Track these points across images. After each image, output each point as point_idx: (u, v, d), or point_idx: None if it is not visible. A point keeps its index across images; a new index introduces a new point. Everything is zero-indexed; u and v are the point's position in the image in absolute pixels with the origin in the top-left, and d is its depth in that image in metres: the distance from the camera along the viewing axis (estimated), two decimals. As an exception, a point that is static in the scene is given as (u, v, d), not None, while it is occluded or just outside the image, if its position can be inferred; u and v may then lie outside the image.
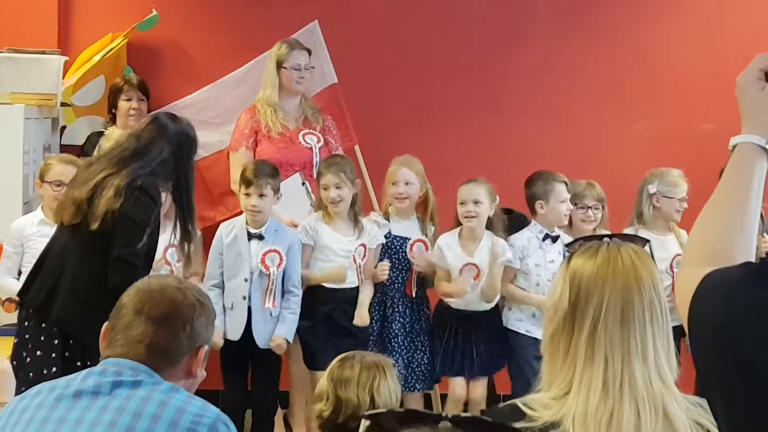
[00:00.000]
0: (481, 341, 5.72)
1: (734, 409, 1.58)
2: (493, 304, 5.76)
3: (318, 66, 6.56)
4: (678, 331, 2.21)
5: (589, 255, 2.30)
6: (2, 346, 5.39)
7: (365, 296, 5.74)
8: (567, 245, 2.42)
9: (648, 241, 2.43)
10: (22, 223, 5.69)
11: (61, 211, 4.66)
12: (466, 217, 5.69)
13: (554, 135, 6.87)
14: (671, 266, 5.77)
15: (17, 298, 5.24)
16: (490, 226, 5.76)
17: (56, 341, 4.53)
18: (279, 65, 6.23)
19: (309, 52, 6.31)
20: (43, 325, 4.56)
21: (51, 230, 4.92)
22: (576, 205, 5.88)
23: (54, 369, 4.40)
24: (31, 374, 4.39)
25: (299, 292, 5.63)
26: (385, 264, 5.78)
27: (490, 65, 6.95)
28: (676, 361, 2.29)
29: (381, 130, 6.73)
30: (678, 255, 5.79)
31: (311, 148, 6.14)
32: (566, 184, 5.79)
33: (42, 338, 4.55)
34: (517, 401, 2.25)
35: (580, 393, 2.21)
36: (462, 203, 5.69)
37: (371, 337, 5.76)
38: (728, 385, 1.57)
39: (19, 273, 5.64)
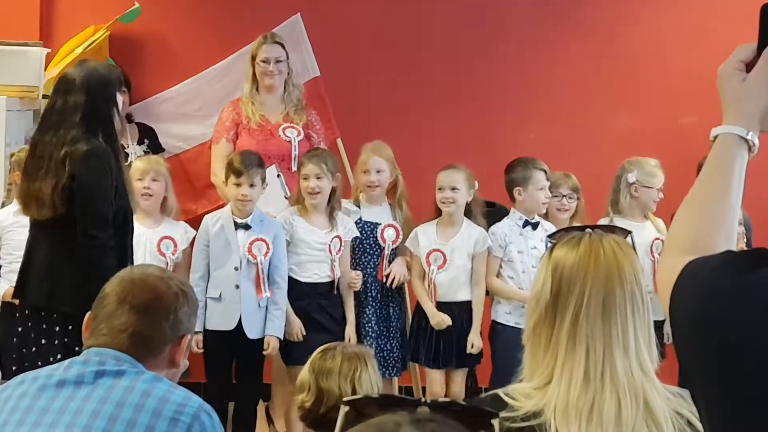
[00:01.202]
0: (460, 333, 5.74)
1: (715, 397, 1.59)
2: (477, 297, 5.79)
3: (300, 59, 6.56)
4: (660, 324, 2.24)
5: (571, 246, 2.31)
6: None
7: (350, 308, 5.76)
8: (549, 236, 2.42)
9: (630, 232, 2.44)
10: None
11: (27, 208, 4.59)
12: (443, 203, 5.73)
13: (534, 127, 6.90)
14: (651, 251, 5.83)
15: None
16: (468, 212, 5.80)
17: (57, 328, 4.49)
18: (253, 58, 6.24)
19: (282, 45, 6.28)
20: (43, 313, 4.52)
21: (27, 220, 4.80)
22: (551, 194, 5.92)
23: (59, 356, 4.32)
24: (39, 363, 4.16)
25: (285, 284, 5.63)
26: (358, 273, 5.80)
27: (471, 58, 6.96)
28: (656, 351, 2.30)
29: (363, 123, 6.73)
30: (656, 239, 5.86)
31: (290, 141, 6.14)
32: (545, 172, 5.82)
33: (44, 326, 4.51)
34: (499, 391, 2.26)
35: (562, 383, 2.22)
36: (440, 189, 5.74)
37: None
38: (709, 373, 1.57)
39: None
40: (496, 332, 5.78)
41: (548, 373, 2.25)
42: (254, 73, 6.23)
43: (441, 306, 5.72)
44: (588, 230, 2.36)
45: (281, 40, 6.29)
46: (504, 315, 5.78)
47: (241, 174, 5.52)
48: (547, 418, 2.19)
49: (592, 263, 2.27)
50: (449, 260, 5.71)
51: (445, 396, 5.76)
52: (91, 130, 4.51)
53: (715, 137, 1.82)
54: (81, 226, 4.46)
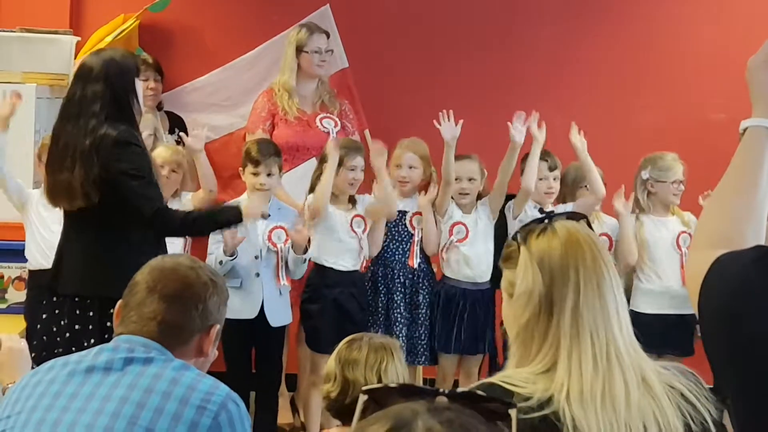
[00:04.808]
0: (476, 320, 5.75)
1: (745, 391, 1.59)
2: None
3: (330, 50, 6.58)
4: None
5: (549, 236, 2.24)
6: (14, 324, 5.43)
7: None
8: (517, 232, 2.35)
9: (585, 217, 2.38)
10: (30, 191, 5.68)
11: (55, 199, 4.56)
12: (461, 194, 5.81)
13: (563, 122, 6.87)
14: (678, 244, 5.81)
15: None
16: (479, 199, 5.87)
17: (92, 313, 4.43)
18: (299, 49, 6.23)
19: (327, 35, 6.33)
20: (77, 299, 4.46)
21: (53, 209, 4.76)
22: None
23: (93, 340, 4.27)
24: (73, 348, 4.10)
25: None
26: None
27: (500, 52, 6.95)
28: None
29: (391, 115, 6.74)
30: (682, 232, 5.83)
31: (328, 132, 6.15)
32: (547, 161, 5.90)
33: (77, 312, 4.45)
34: (493, 379, 2.17)
35: (572, 371, 2.15)
36: (457, 179, 5.78)
37: (380, 314, 5.78)
38: (737, 366, 1.58)
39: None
40: None
41: (547, 361, 2.18)
42: (299, 64, 6.23)
43: (456, 289, 5.75)
44: (546, 219, 2.29)
45: (325, 30, 6.33)
46: None
47: (259, 164, 5.56)
48: (560, 405, 2.11)
49: (578, 249, 2.24)
50: (472, 234, 5.76)
51: (459, 384, 5.77)
52: (112, 118, 4.47)
53: (744, 130, 1.82)
54: (144, 210, 4.45)
